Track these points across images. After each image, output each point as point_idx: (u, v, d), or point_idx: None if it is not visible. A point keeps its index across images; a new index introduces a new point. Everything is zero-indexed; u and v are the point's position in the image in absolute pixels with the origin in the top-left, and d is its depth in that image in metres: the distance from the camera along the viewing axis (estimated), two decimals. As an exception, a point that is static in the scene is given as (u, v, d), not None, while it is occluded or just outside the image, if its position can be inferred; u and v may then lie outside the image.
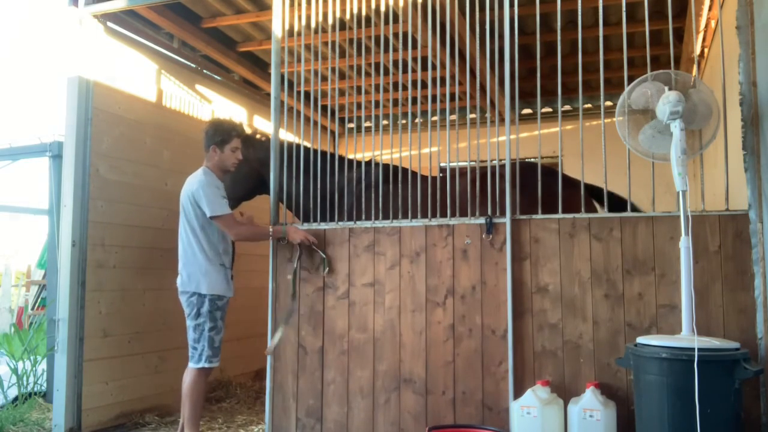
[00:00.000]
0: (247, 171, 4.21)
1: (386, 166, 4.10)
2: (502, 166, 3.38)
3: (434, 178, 3.75)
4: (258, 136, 4.41)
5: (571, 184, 3.57)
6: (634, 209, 3.50)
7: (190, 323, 3.60)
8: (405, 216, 3.65)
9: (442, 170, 3.86)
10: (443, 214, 3.51)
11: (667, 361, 2.43)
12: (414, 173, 3.91)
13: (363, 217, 3.73)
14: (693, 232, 2.73)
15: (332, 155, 3.99)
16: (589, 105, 7.04)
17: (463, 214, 3.50)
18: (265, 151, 4.12)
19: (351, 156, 4.31)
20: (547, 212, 3.27)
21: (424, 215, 3.55)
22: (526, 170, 3.56)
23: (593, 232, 3.16)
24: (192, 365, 3.57)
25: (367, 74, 6.16)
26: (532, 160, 4.22)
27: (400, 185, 3.81)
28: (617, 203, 3.55)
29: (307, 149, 4.04)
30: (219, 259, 3.65)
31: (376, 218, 3.69)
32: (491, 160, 3.48)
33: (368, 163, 4.22)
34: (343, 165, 4.10)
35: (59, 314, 4.23)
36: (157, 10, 4.60)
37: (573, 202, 3.40)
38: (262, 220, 4.00)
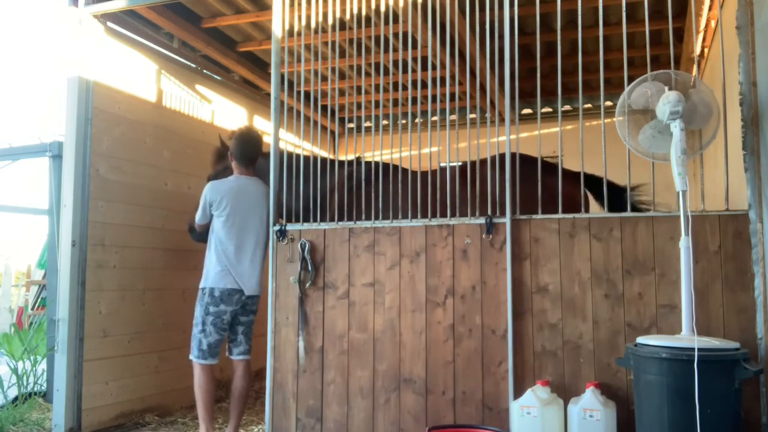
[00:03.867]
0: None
1: (379, 164, 4.07)
2: (502, 161, 3.38)
3: (433, 175, 3.73)
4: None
5: (570, 176, 3.56)
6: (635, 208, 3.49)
7: (252, 319, 3.98)
8: (405, 216, 3.64)
9: (442, 169, 3.84)
10: (443, 214, 3.51)
11: (667, 361, 2.42)
12: (410, 169, 3.88)
13: (363, 217, 3.73)
14: (693, 232, 2.73)
15: (322, 159, 3.96)
16: (589, 105, 7.04)
17: (463, 212, 3.49)
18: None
19: (342, 158, 4.29)
20: (546, 201, 3.26)
21: (424, 215, 3.55)
22: (524, 163, 3.53)
23: (593, 232, 3.16)
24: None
25: (367, 74, 6.16)
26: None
27: (399, 185, 3.80)
28: (616, 193, 3.53)
29: (296, 153, 4.02)
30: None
31: (376, 218, 3.69)
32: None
33: (360, 162, 4.21)
34: (332, 165, 4.08)
35: (59, 314, 4.23)
36: (157, 10, 4.61)
37: (570, 191, 3.38)
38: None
